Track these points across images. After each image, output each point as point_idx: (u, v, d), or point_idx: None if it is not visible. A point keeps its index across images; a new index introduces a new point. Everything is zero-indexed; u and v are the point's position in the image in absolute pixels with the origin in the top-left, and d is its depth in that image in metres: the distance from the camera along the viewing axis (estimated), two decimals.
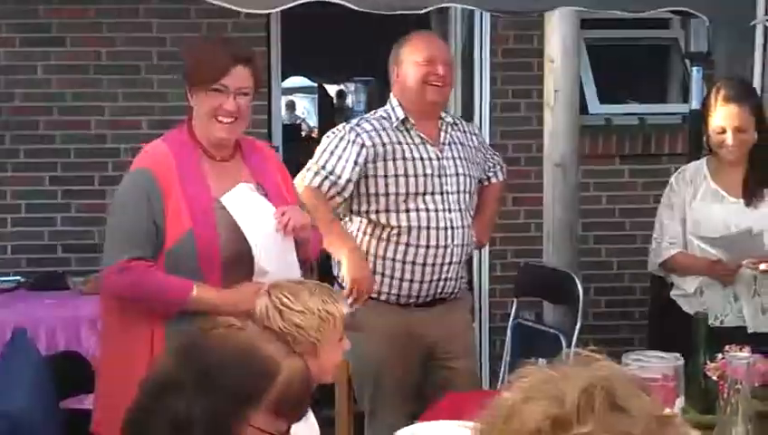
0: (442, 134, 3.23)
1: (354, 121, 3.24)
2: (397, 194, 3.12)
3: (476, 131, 3.48)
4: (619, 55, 5.09)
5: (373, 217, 3.15)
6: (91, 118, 4.76)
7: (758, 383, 2.43)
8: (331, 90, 11.82)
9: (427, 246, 3.13)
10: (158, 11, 4.67)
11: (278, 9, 3.54)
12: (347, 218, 3.22)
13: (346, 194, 3.12)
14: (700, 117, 3.28)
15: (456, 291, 3.25)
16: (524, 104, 4.89)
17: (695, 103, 4.09)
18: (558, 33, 4.23)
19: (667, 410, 1.05)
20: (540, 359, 3.14)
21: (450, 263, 3.17)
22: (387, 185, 3.12)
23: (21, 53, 4.70)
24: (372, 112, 3.29)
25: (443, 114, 3.27)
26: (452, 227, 3.15)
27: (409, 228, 3.12)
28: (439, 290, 3.19)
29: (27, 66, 4.72)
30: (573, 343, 3.42)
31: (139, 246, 2.52)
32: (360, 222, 3.18)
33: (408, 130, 3.19)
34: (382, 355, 3.16)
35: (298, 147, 7.01)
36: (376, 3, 3.32)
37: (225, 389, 1.38)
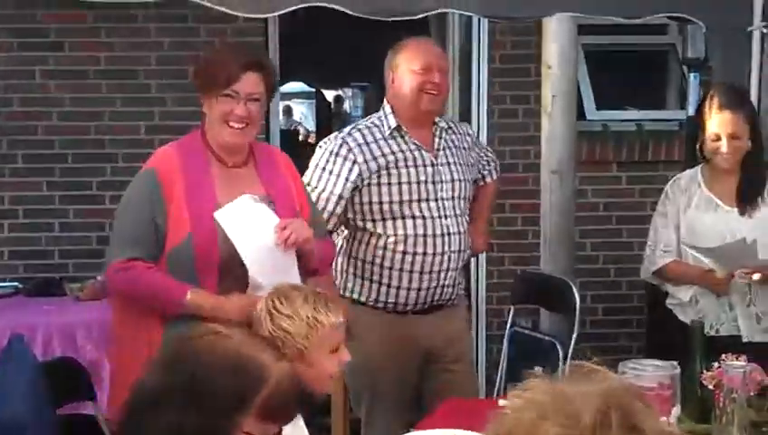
0: (436, 140, 3.22)
1: (346, 131, 3.19)
2: (390, 202, 3.10)
3: (470, 131, 3.45)
4: (617, 61, 5.10)
5: (369, 225, 3.13)
6: (89, 123, 4.76)
7: (754, 393, 2.43)
8: (329, 95, 11.82)
9: (424, 254, 3.11)
10: (157, 16, 4.67)
11: (276, 14, 3.56)
12: (342, 228, 3.21)
13: (339, 211, 3.11)
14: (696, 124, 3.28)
15: (453, 298, 3.23)
16: (522, 110, 4.89)
17: (692, 110, 4.10)
18: (555, 38, 4.24)
19: (675, 429, 1.05)
20: (537, 367, 3.15)
21: (447, 270, 3.15)
22: (380, 193, 3.10)
23: (19, 58, 4.70)
24: (365, 119, 3.27)
25: (437, 119, 3.25)
26: (448, 234, 3.14)
27: (405, 236, 3.10)
28: (436, 297, 3.18)
29: (25, 71, 4.72)
30: (570, 350, 3.42)
31: (138, 247, 2.56)
32: (355, 231, 3.17)
33: (401, 137, 3.16)
34: (378, 363, 3.15)
35: (295, 152, 7.01)
36: (374, 8, 3.33)
37: (216, 398, 1.38)
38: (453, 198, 3.18)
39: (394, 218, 3.11)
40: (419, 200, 3.12)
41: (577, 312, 3.56)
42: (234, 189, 2.65)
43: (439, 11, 3.55)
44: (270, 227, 2.61)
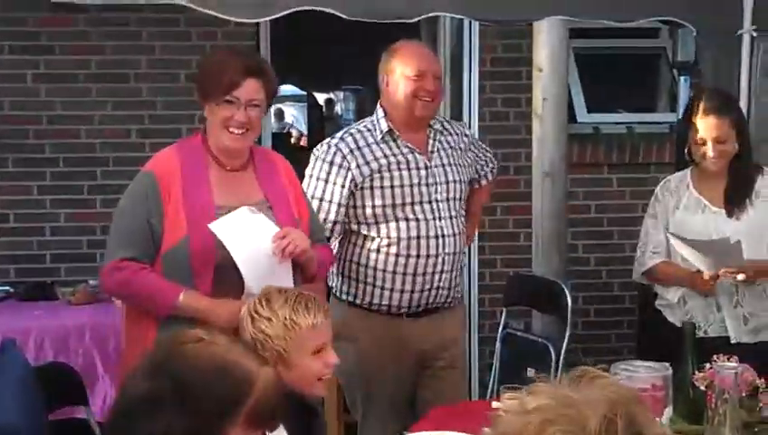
0: (430, 142, 3.21)
1: (338, 136, 3.18)
2: (384, 205, 3.10)
3: (467, 131, 3.42)
4: (607, 64, 5.12)
5: (363, 228, 3.13)
6: (80, 127, 4.75)
7: (745, 393, 2.44)
8: (321, 98, 11.81)
9: (417, 256, 3.11)
10: (148, 20, 4.66)
11: (268, 18, 3.55)
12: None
13: (339, 218, 3.11)
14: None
15: (449, 300, 3.22)
16: (513, 113, 4.91)
17: (682, 113, 4.11)
18: (546, 42, 4.25)
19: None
20: (529, 369, 3.15)
21: (442, 272, 3.14)
22: (373, 197, 3.10)
23: (9, 62, 4.68)
24: (358, 123, 3.26)
25: (431, 122, 3.24)
26: (442, 236, 3.13)
27: (398, 239, 3.10)
28: (431, 299, 3.17)
29: (16, 75, 4.70)
30: (562, 352, 3.43)
31: (132, 247, 2.58)
32: (349, 234, 3.17)
33: (394, 141, 3.16)
34: (373, 365, 3.15)
35: (287, 155, 7.01)
36: (366, 11, 3.33)
37: (204, 405, 1.37)
38: (447, 199, 3.17)
39: (387, 221, 3.10)
40: (413, 203, 3.12)
41: (569, 313, 3.57)
42: (231, 193, 2.66)
43: (432, 14, 3.56)
44: (267, 235, 2.62)
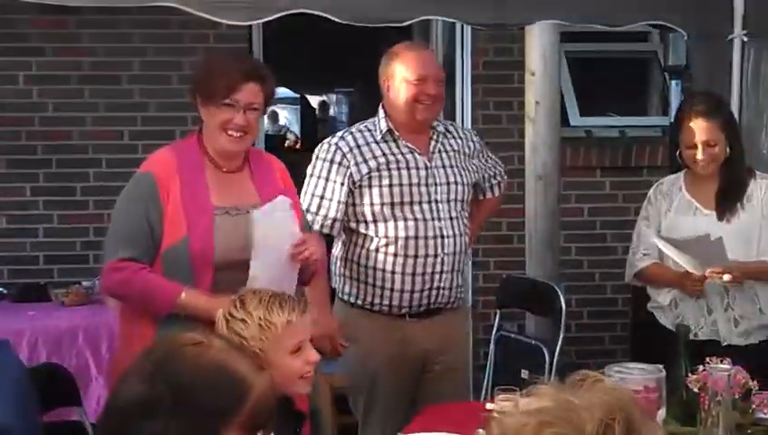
0: (432, 143, 3.21)
1: (339, 135, 3.20)
2: (382, 204, 3.10)
3: (474, 138, 3.38)
4: (600, 68, 5.14)
5: (362, 227, 3.13)
6: (72, 128, 4.75)
7: (738, 395, 2.45)
8: (314, 100, 11.82)
9: (415, 256, 3.11)
10: (140, 21, 4.66)
11: (260, 21, 3.56)
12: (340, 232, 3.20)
13: (340, 216, 3.12)
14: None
15: (452, 301, 3.20)
16: (506, 116, 4.92)
17: (673, 116, 4.13)
18: (538, 45, 4.26)
19: None
20: (523, 371, 3.15)
21: (442, 272, 3.13)
22: (371, 196, 3.10)
23: (1, 64, 4.68)
24: (359, 124, 3.26)
25: (435, 123, 3.24)
26: (442, 236, 3.12)
27: (396, 238, 3.10)
28: (433, 300, 3.16)
29: (8, 76, 4.70)
30: (556, 354, 3.43)
31: (132, 247, 2.59)
32: (349, 234, 3.17)
33: (394, 141, 3.16)
34: (375, 366, 3.15)
35: (281, 157, 7.00)
36: (358, 15, 3.34)
37: (201, 409, 1.37)
38: (448, 200, 3.16)
39: (386, 220, 3.10)
40: (411, 203, 3.11)
41: (563, 316, 3.58)
42: (228, 194, 2.69)
43: (424, 18, 3.57)
44: (288, 234, 2.67)
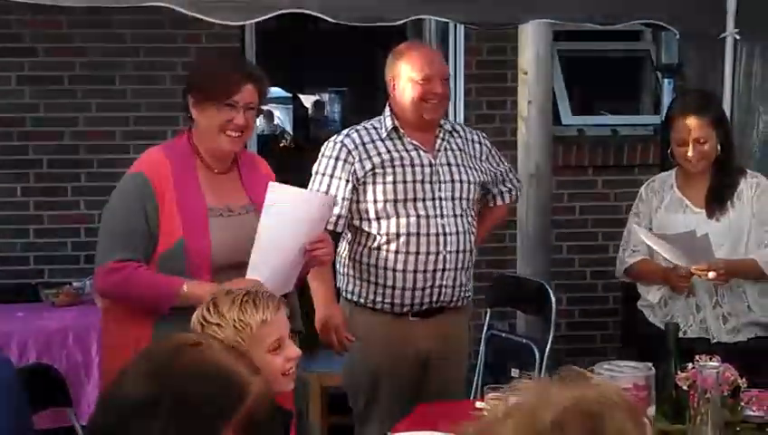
0: (437, 141, 3.19)
1: (344, 133, 3.19)
2: (385, 201, 3.08)
3: (483, 140, 3.33)
4: (592, 67, 5.15)
5: (365, 225, 3.12)
6: (64, 129, 4.74)
7: (727, 393, 2.45)
8: (306, 100, 11.81)
9: (417, 253, 3.09)
10: (132, 21, 4.66)
11: (253, 21, 3.55)
12: (345, 231, 3.18)
13: (344, 213, 3.11)
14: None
15: (455, 299, 3.17)
16: (499, 116, 4.92)
17: (664, 114, 4.14)
18: (531, 45, 4.27)
19: None
20: (513, 369, 3.16)
21: (444, 269, 3.11)
22: (375, 192, 3.09)
23: None
24: (365, 122, 3.24)
25: (442, 122, 3.22)
26: (444, 234, 3.10)
27: (398, 235, 3.08)
28: (435, 298, 3.14)
29: (0, 77, 4.69)
30: (546, 353, 3.44)
31: (129, 248, 2.57)
32: (353, 232, 3.16)
33: (399, 138, 3.15)
34: (377, 364, 3.14)
35: (275, 157, 6.98)
36: (351, 15, 3.34)
37: (201, 409, 1.36)
38: (453, 198, 3.14)
39: (389, 217, 3.09)
40: (415, 199, 3.10)
41: (553, 314, 3.58)
42: (219, 195, 2.70)
43: (416, 17, 3.57)
44: (303, 231, 2.69)
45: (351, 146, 3.12)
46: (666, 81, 5.02)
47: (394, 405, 3.12)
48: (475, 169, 3.23)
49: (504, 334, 3.79)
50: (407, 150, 3.14)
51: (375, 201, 3.10)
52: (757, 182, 3.18)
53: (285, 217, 2.65)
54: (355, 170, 3.09)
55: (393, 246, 3.10)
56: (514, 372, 3.35)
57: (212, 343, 1.49)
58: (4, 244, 4.71)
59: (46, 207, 4.74)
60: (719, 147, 3.15)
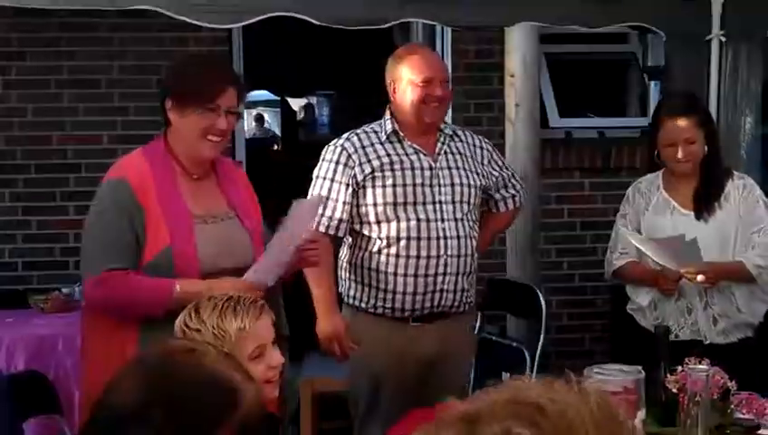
0: (438, 144, 3.18)
1: (345, 137, 3.17)
2: (384, 204, 3.07)
3: (486, 145, 3.31)
4: (579, 70, 5.16)
5: (365, 229, 3.10)
6: (51, 133, 4.72)
7: (717, 395, 2.47)
8: (294, 103, 11.79)
9: (417, 257, 3.07)
10: (120, 25, 4.64)
11: (240, 24, 3.56)
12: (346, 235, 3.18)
13: (346, 217, 3.10)
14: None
15: (456, 304, 3.14)
16: (486, 118, 4.93)
17: (651, 117, 4.15)
18: (518, 47, 4.29)
19: None
20: (504, 373, 3.17)
21: (445, 274, 3.08)
22: (375, 196, 3.08)
23: None
24: (366, 125, 3.23)
25: (442, 126, 3.21)
26: (445, 237, 3.08)
27: (398, 239, 3.07)
28: (436, 303, 3.11)
29: None
30: (537, 356, 3.45)
31: (118, 257, 2.53)
32: (354, 236, 3.15)
33: (399, 142, 3.14)
34: (378, 369, 3.12)
35: (266, 163, 6.92)
36: (338, 18, 3.35)
37: (195, 416, 1.36)
38: (453, 201, 3.12)
39: (388, 221, 3.08)
40: (415, 203, 3.09)
41: (543, 317, 3.59)
42: (200, 201, 2.66)
43: (403, 20, 3.57)
44: (300, 233, 2.72)
45: (352, 150, 3.11)
46: (652, 83, 5.05)
47: (395, 411, 3.10)
48: (477, 173, 3.21)
49: (494, 338, 3.80)
50: (406, 154, 3.13)
51: (375, 204, 3.09)
52: (744, 184, 3.20)
53: (284, 226, 2.67)
54: (355, 174, 3.09)
55: (393, 250, 3.08)
56: (505, 376, 3.35)
57: (206, 350, 1.48)
58: None
59: (34, 213, 4.72)
60: (706, 148, 3.17)
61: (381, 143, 3.14)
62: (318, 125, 11.51)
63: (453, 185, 3.14)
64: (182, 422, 1.35)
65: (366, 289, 3.15)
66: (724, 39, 3.75)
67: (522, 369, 3.38)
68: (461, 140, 3.24)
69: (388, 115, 3.18)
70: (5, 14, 4.57)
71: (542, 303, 3.61)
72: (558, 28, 4.01)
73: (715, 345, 3.10)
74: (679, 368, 2.50)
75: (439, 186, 3.12)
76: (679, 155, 3.13)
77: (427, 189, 3.10)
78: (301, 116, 11.81)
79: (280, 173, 5.87)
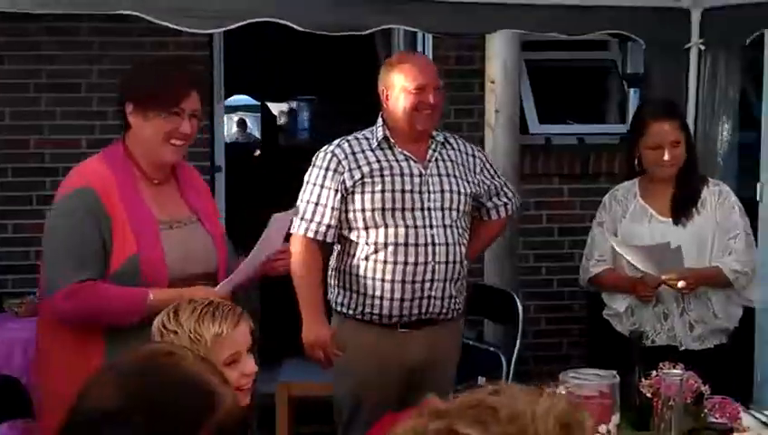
0: (429, 151, 3.18)
1: (336, 143, 3.17)
2: (373, 210, 3.07)
3: (479, 154, 3.33)
4: (559, 76, 5.18)
5: (353, 235, 3.10)
6: (29, 137, 4.69)
7: (690, 400, 2.48)
8: (274, 108, 11.77)
9: (405, 263, 3.06)
10: (99, 29, 4.62)
11: (221, 30, 3.55)
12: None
13: (334, 223, 3.10)
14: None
15: (444, 311, 3.13)
16: (466, 124, 4.93)
17: (630, 123, 4.17)
18: (499, 54, 4.31)
19: None
20: (480, 377, 3.17)
21: (433, 280, 3.08)
22: (363, 201, 3.07)
23: None
24: (358, 132, 3.23)
25: (434, 133, 3.21)
26: (433, 244, 3.08)
27: (386, 245, 3.06)
28: (424, 309, 3.10)
29: None
30: (513, 361, 3.45)
31: (88, 268, 2.48)
32: (343, 242, 3.14)
33: (390, 148, 3.14)
34: (363, 375, 3.12)
35: (246, 168, 6.89)
36: (320, 24, 3.35)
37: (173, 421, 1.36)
38: (442, 208, 3.12)
39: (377, 227, 3.07)
40: (404, 209, 3.08)
41: (520, 322, 3.60)
42: (164, 207, 2.63)
43: (385, 27, 3.58)
44: (276, 245, 2.75)
45: (342, 156, 3.11)
46: (632, 90, 5.07)
47: (380, 417, 3.10)
48: (467, 181, 3.21)
49: (471, 343, 3.80)
50: (396, 160, 3.13)
51: (363, 210, 3.08)
52: (719, 190, 3.23)
53: (261, 240, 2.69)
54: (344, 180, 3.08)
55: (381, 256, 3.08)
56: (481, 381, 3.35)
57: (185, 354, 1.48)
58: None
59: (10, 216, 4.68)
60: (685, 152, 3.19)
61: (372, 150, 3.14)
62: (299, 130, 11.50)
63: (443, 192, 3.14)
64: (161, 424, 1.34)
65: (354, 296, 3.14)
66: (703, 47, 3.78)
67: (498, 373, 3.38)
68: (453, 148, 3.24)
69: (380, 122, 3.18)
70: None
71: (520, 308, 3.62)
72: (539, 35, 4.03)
73: (691, 351, 3.11)
74: (654, 372, 2.51)
75: (429, 192, 3.12)
76: (666, 157, 3.14)
77: (417, 196, 3.10)
78: (281, 121, 11.79)
79: (259, 177, 5.88)
